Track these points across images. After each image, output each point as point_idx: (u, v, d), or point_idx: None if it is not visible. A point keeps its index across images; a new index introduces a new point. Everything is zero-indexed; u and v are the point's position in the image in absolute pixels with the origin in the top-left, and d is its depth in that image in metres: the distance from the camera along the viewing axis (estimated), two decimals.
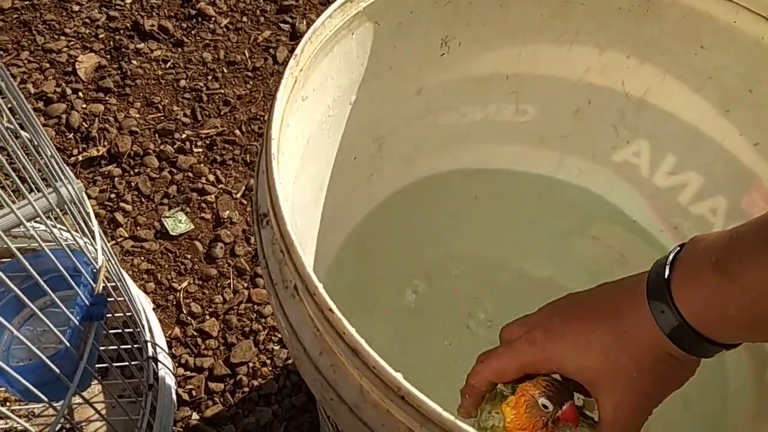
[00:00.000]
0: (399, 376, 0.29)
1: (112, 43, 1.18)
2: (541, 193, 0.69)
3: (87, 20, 1.21)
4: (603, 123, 0.62)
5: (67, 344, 0.44)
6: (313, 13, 1.25)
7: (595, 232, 0.70)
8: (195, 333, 0.87)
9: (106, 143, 1.04)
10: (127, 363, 0.57)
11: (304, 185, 0.48)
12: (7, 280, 0.37)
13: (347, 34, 0.48)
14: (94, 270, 0.49)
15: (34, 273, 0.40)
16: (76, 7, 1.24)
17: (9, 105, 0.45)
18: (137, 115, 1.08)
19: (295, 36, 1.20)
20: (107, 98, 1.10)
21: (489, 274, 0.71)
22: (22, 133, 0.42)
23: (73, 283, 0.45)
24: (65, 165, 0.48)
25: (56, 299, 0.45)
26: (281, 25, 1.22)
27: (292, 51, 1.18)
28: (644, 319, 0.32)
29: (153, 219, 0.97)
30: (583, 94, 0.61)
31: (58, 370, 0.42)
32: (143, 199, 0.98)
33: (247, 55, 1.17)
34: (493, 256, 0.72)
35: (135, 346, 0.63)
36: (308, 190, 0.51)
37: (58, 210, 0.47)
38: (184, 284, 0.91)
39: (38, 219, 0.47)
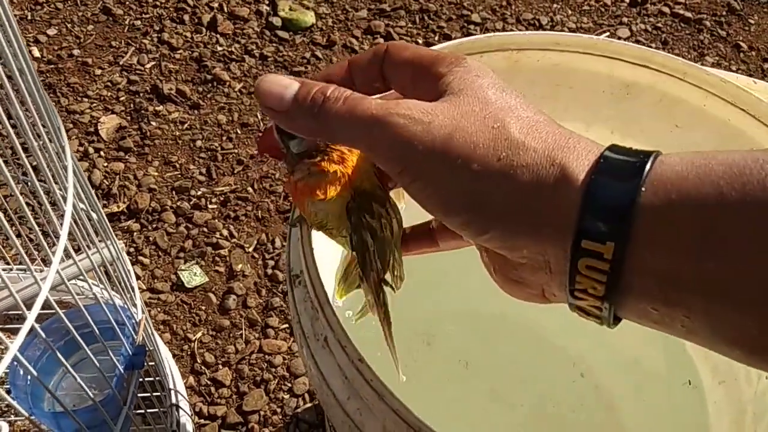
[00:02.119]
0: (419, 417, 0.34)
1: (132, 105, 1.26)
2: None
3: (109, 83, 1.30)
4: None
5: (114, 390, 0.48)
6: None
7: None
8: (209, 382, 0.91)
9: (125, 200, 1.10)
10: (156, 409, 0.61)
11: (328, 246, 0.54)
12: (74, 330, 0.43)
13: None
14: (135, 323, 0.54)
15: (93, 325, 0.46)
16: (99, 71, 1.32)
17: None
18: (156, 173, 1.14)
19: None
20: (127, 157, 1.17)
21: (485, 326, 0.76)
22: (81, 205, 0.48)
23: (120, 334, 0.50)
24: (108, 226, 0.54)
25: (107, 349, 0.50)
26: None
27: None
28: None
29: (169, 272, 1.02)
30: None
31: (106, 414, 0.46)
32: (160, 253, 1.04)
33: (259, 117, 1.25)
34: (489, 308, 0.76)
35: (161, 393, 0.68)
36: (332, 250, 0.56)
37: (101, 267, 0.52)
38: (199, 335, 0.95)
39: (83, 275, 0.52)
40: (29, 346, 0.54)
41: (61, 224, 0.41)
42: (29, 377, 0.53)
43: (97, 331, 0.45)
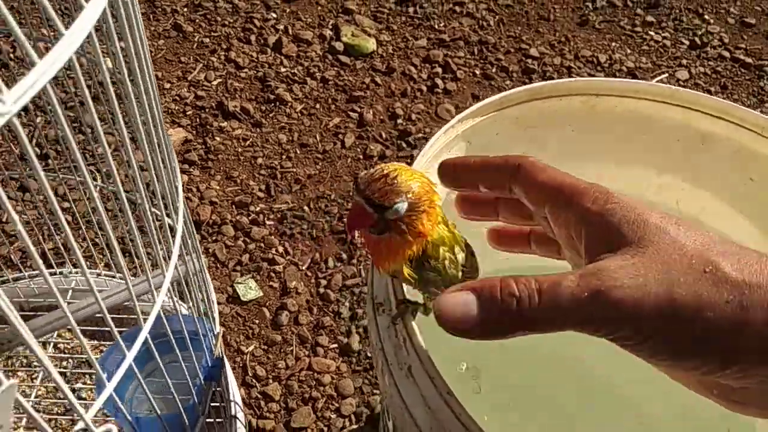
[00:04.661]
0: None
1: (198, 120, 1.31)
2: None
3: (177, 97, 1.35)
4: None
5: (196, 399, 0.51)
6: (380, 104, 1.37)
7: None
8: (259, 395, 0.93)
9: (188, 211, 1.14)
10: (221, 419, 0.63)
11: None
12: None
13: (446, 151, 0.57)
14: (213, 335, 0.57)
15: (170, 334, 0.48)
16: (167, 85, 1.38)
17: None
18: (217, 187, 1.18)
19: (362, 124, 1.32)
20: (191, 170, 1.21)
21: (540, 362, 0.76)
22: (178, 226, 0.50)
23: (201, 345, 0.53)
24: (196, 240, 0.56)
25: (181, 358, 0.52)
26: (350, 113, 1.34)
27: (359, 137, 1.29)
28: None
29: (226, 284, 1.05)
30: None
31: (186, 421, 0.49)
32: (218, 265, 1.07)
33: (318, 138, 1.29)
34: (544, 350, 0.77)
35: (220, 404, 0.70)
36: None
37: (185, 279, 0.55)
38: (251, 348, 0.98)
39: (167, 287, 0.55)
40: (111, 354, 0.57)
41: (173, 237, 0.44)
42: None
43: (173, 341, 0.48)
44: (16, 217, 0.26)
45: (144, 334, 0.36)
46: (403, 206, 0.38)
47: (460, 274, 0.44)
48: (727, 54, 1.56)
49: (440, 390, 0.38)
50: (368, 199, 0.38)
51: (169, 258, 0.45)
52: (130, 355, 0.35)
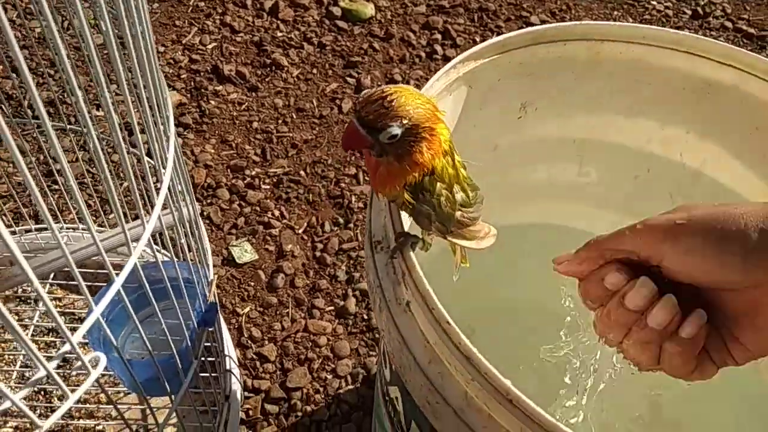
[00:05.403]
0: (508, 382, 0.34)
1: (192, 84, 1.28)
2: None
3: (171, 61, 1.33)
4: (660, 189, 0.68)
5: (188, 342, 0.50)
6: (377, 70, 1.34)
7: None
8: (254, 356, 0.92)
9: (181, 157, 1.12)
10: (208, 374, 0.62)
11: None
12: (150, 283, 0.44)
13: (446, 95, 0.55)
14: (207, 282, 0.55)
15: (168, 281, 0.47)
16: (162, 48, 1.35)
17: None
18: (212, 151, 1.17)
19: (360, 89, 1.30)
20: (186, 133, 1.19)
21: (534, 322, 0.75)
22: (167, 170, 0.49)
23: (194, 291, 0.51)
24: (192, 189, 0.55)
25: (176, 306, 0.51)
26: (347, 78, 1.32)
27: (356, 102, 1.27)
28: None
29: (221, 247, 1.04)
30: (643, 162, 0.68)
31: (179, 365, 0.48)
32: (213, 228, 1.06)
33: (315, 103, 1.27)
34: (540, 307, 0.76)
35: (215, 359, 0.69)
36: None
37: (182, 226, 0.54)
38: (246, 309, 0.97)
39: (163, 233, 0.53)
40: (101, 298, 0.56)
41: (157, 185, 0.42)
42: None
43: (168, 289, 0.47)
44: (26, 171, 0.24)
45: (116, 287, 0.35)
46: (395, 131, 0.37)
47: (457, 213, 0.43)
48: (729, 24, 1.53)
49: (440, 320, 0.37)
50: (361, 119, 0.37)
51: (152, 206, 0.44)
52: (98, 309, 0.33)
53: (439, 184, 0.40)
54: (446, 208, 0.41)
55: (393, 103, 0.37)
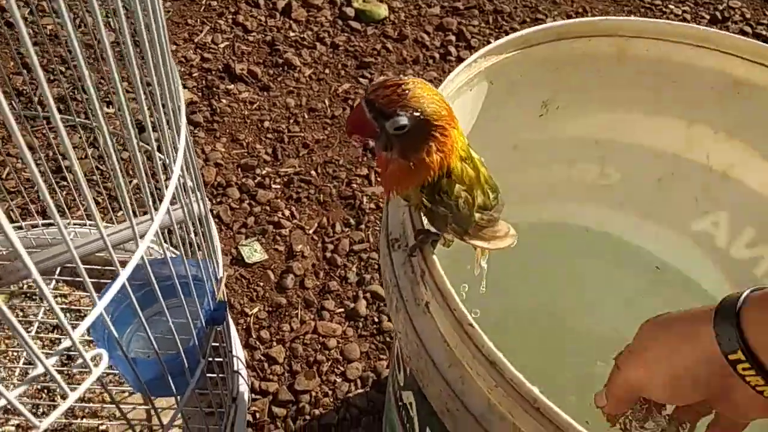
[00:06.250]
0: (535, 389, 0.32)
1: (204, 82, 1.27)
2: (616, 254, 0.72)
3: (183, 59, 1.32)
4: (684, 192, 0.66)
5: (196, 341, 0.48)
6: (390, 70, 1.33)
7: (666, 297, 0.72)
8: (262, 357, 0.90)
9: (193, 153, 1.11)
10: (215, 374, 0.61)
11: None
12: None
13: (467, 90, 0.54)
14: (216, 279, 0.54)
15: (175, 278, 0.45)
16: (173, 47, 1.34)
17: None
18: (223, 150, 1.15)
19: None
20: (197, 131, 1.18)
21: (548, 325, 0.73)
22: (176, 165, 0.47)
23: (203, 289, 0.50)
24: (203, 186, 0.53)
25: (184, 303, 0.49)
26: (360, 79, 1.30)
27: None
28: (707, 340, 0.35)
29: (230, 246, 1.02)
30: (667, 164, 0.65)
31: (186, 363, 0.46)
32: (223, 227, 1.04)
33: (327, 103, 1.25)
34: (556, 309, 0.74)
35: (223, 359, 0.67)
36: None
37: (191, 222, 0.52)
38: (255, 310, 0.95)
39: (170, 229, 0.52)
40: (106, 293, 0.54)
41: (166, 178, 0.41)
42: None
43: (176, 285, 0.45)
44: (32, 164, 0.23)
45: (121, 280, 0.33)
46: (403, 121, 0.35)
47: (475, 216, 0.41)
48: (748, 29, 1.51)
49: (462, 322, 0.35)
50: (370, 102, 0.35)
51: (161, 201, 0.42)
52: (101, 304, 0.32)
53: (458, 186, 0.39)
54: (464, 210, 0.39)
55: (407, 93, 0.34)
